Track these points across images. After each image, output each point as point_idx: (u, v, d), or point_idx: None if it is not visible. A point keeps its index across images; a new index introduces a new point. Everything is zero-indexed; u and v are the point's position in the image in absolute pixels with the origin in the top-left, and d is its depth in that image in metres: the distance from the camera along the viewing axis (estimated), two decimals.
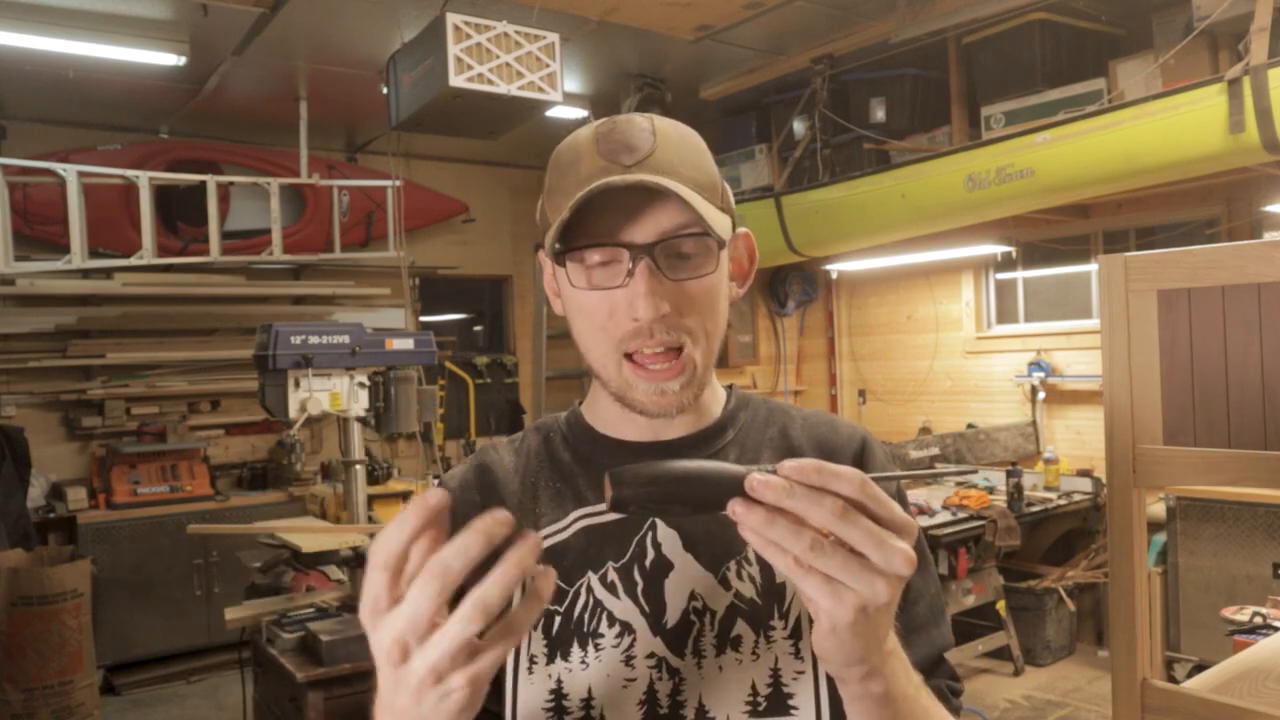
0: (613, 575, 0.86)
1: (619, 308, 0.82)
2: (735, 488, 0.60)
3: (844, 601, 0.59)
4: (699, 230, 0.81)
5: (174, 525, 4.89)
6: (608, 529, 0.88)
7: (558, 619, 0.86)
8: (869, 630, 0.61)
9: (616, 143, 0.82)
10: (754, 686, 0.84)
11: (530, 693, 0.84)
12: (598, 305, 0.83)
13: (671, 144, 0.83)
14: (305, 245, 5.59)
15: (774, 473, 0.60)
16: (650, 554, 0.87)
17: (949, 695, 0.91)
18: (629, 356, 0.83)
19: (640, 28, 4.23)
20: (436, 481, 1.12)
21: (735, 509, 0.60)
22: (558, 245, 0.83)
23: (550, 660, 0.85)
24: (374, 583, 0.60)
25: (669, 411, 0.84)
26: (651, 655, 0.84)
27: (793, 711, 0.84)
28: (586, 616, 0.85)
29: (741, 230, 0.93)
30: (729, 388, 0.98)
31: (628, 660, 0.84)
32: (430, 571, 0.58)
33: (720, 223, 0.83)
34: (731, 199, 0.90)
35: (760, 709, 0.83)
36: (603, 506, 0.88)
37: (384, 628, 0.59)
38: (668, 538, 0.87)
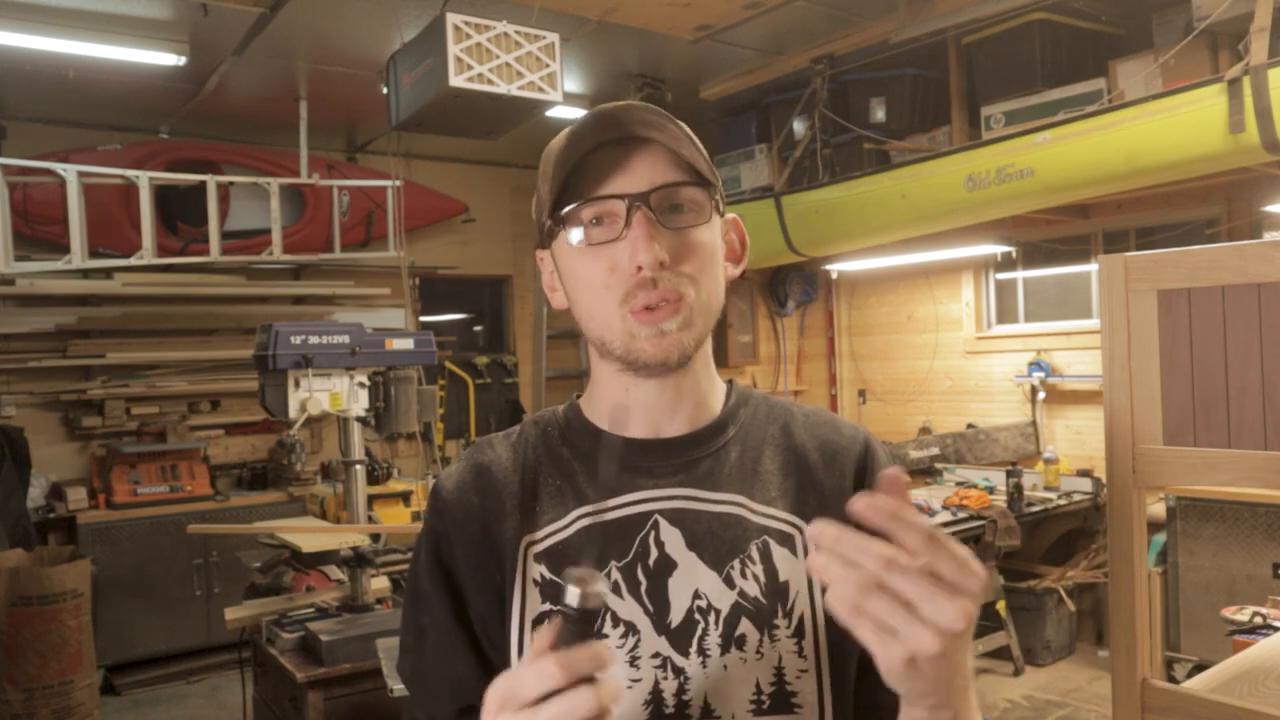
0: (616, 575, 0.86)
1: (620, 262, 0.83)
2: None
3: (890, 650, 0.60)
4: (691, 179, 0.83)
5: (174, 525, 4.89)
6: (609, 527, 0.87)
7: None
8: (923, 676, 0.61)
9: (603, 115, 0.85)
10: (758, 685, 0.84)
11: None
12: (597, 267, 0.84)
13: (657, 114, 0.86)
14: (305, 245, 5.59)
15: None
16: (654, 553, 0.86)
17: None
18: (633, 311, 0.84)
19: (640, 28, 4.23)
20: (433, 481, 1.12)
21: (811, 531, 0.61)
22: (553, 215, 0.85)
23: None
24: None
25: (670, 356, 0.84)
26: (656, 655, 0.84)
27: (796, 709, 0.84)
28: None
29: (730, 215, 0.95)
30: (729, 383, 0.97)
31: (632, 660, 0.84)
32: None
33: (711, 177, 0.86)
34: (719, 179, 0.92)
35: (764, 707, 0.83)
36: (605, 504, 0.88)
37: None
38: (671, 536, 0.87)
